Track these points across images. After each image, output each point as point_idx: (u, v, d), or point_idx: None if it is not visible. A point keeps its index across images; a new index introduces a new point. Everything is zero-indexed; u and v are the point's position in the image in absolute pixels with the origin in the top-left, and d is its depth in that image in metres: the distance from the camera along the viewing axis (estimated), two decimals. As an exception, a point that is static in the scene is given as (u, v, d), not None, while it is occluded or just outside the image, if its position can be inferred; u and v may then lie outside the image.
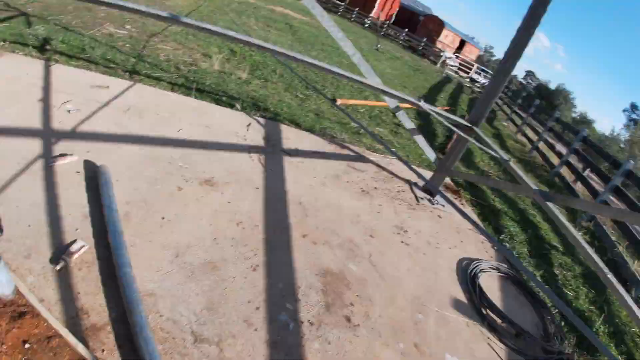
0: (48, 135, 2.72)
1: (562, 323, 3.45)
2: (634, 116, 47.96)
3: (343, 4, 39.32)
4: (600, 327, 3.72)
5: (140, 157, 2.82)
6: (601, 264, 2.59)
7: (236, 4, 16.23)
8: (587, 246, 2.77)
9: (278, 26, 13.18)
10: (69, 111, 3.06)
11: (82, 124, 2.98)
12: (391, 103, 3.89)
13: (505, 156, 3.32)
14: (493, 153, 3.32)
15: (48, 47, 4.12)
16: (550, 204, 3.12)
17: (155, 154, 2.90)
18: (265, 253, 2.47)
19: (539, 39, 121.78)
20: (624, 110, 54.08)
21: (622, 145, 32.04)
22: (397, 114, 3.92)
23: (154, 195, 2.53)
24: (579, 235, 2.83)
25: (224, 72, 5.55)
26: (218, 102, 4.28)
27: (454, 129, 3.96)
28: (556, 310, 3.57)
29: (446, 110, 12.02)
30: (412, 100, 3.30)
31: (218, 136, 3.45)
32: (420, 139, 4.24)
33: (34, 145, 2.57)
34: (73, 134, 2.83)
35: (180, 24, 2.79)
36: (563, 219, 3.01)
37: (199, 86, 4.52)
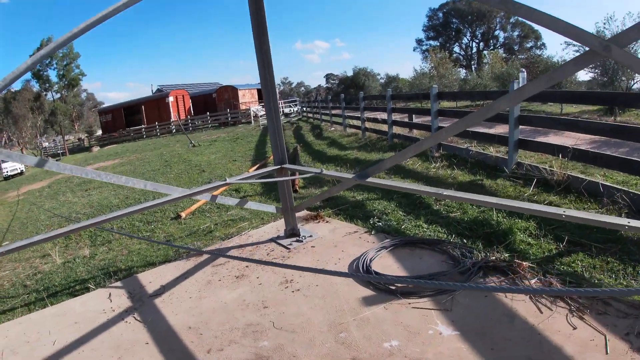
0: None
1: (465, 241, 3.96)
2: (423, 48, 56.13)
3: (143, 127, 39.67)
4: (497, 218, 4.35)
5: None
6: (446, 192, 3.09)
7: (47, 189, 15.45)
8: (425, 188, 3.29)
9: (96, 184, 12.83)
10: None
11: None
12: (207, 196, 4.18)
13: (317, 170, 3.82)
14: (309, 174, 3.80)
15: None
16: (370, 179, 3.63)
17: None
18: (184, 393, 2.52)
19: (318, 47, 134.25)
20: (414, 49, 63.15)
21: (431, 75, 36.55)
22: (215, 201, 4.23)
23: None
24: (417, 185, 3.38)
25: (68, 261, 5.39)
26: (74, 294, 4.16)
27: (269, 180, 4.40)
28: (453, 237, 4.10)
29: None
30: (219, 183, 3.64)
31: (88, 325, 3.37)
32: (251, 204, 4.60)
33: None
34: None
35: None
36: (392, 182, 3.53)
37: (51, 291, 4.38)
